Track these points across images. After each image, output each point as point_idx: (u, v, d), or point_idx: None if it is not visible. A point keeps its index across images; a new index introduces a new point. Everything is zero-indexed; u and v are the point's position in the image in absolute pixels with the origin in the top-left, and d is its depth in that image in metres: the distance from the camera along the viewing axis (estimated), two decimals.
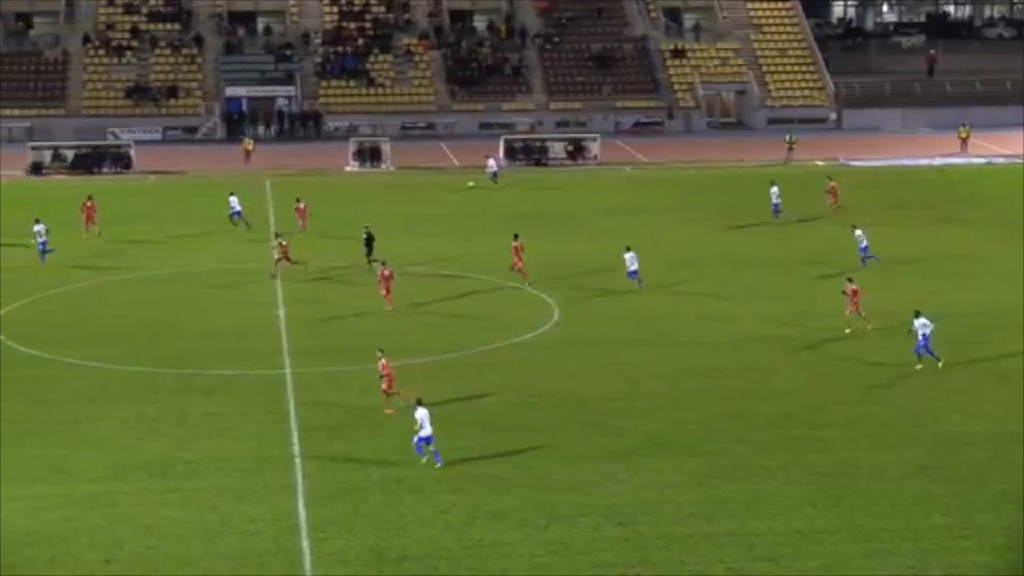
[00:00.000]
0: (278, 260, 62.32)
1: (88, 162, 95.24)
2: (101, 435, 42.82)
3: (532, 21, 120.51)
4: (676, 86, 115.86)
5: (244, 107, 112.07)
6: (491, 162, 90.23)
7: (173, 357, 50.96)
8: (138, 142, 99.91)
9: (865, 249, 64.13)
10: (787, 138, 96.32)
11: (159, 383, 47.96)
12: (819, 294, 58.89)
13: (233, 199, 74.60)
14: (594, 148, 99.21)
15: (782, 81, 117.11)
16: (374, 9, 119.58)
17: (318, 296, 60.34)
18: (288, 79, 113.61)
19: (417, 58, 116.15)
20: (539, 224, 72.73)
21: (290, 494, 38.24)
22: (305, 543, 35.13)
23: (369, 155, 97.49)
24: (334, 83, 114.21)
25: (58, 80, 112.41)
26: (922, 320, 48.62)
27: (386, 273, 57.87)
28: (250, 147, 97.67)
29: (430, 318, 56.94)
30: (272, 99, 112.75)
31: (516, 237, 62.47)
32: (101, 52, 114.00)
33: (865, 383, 47.50)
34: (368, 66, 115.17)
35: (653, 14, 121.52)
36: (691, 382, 47.99)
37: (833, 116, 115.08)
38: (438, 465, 40.06)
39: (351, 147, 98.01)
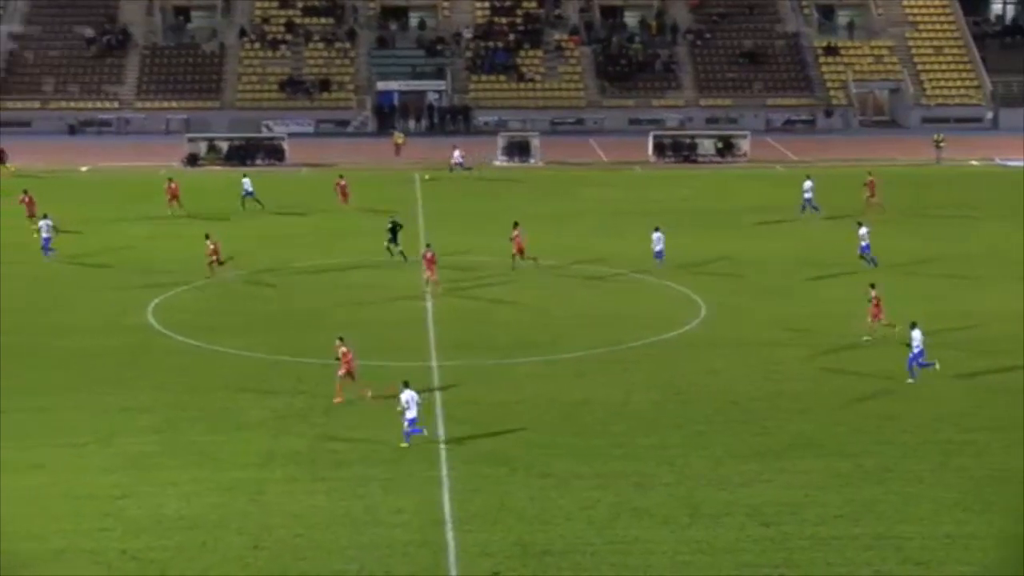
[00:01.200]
0: (210, 263, 61.54)
1: (242, 154, 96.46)
2: (250, 423, 43.38)
3: (683, 17, 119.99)
4: (828, 84, 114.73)
5: (395, 101, 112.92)
6: (456, 153, 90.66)
7: (321, 348, 51.39)
8: (291, 135, 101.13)
9: (866, 248, 63.66)
10: (936, 137, 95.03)
11: (307, 373, 48.45)
12: (972, 297, 57.94)
13: (245, 180, 77.73)
14: (744, 145, 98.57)
15: (937, 79, 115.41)
16: (525, 5, 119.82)
17: (466, 289, 60.55)
18: (439, 74, 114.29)
19: (567, 54, 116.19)
20: (686, 221, 72.37)
21: (435, 486, 38.43)
22: (450, 535, 35.27)
23: (518, 150, 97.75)
24: (484, 78, 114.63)
25: (214, 73, 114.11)
26: (917, 333, 47.38)
27: (429, 255, 59.11)
28: (400, 141, 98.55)
29: (577, 314, 56.90)
30: (423, 93, 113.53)
31: (516, 225, 63.44)
32: (256, 45, 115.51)
33: (1019, 388, 46.64)
34: (518, 61, 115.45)
35: (806, 10, 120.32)
36: (837, 382, 47.47)
37: (989, 115, 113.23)
38: (404, 444, 40.89)
39: (500, 142, 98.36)
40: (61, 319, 55.76)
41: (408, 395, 41.40)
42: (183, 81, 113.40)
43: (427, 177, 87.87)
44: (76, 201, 79.76)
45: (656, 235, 62.83)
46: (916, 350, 47.14)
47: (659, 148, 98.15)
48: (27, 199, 73.01)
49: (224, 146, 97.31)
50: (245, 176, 78.79)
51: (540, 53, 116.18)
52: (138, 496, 37.60)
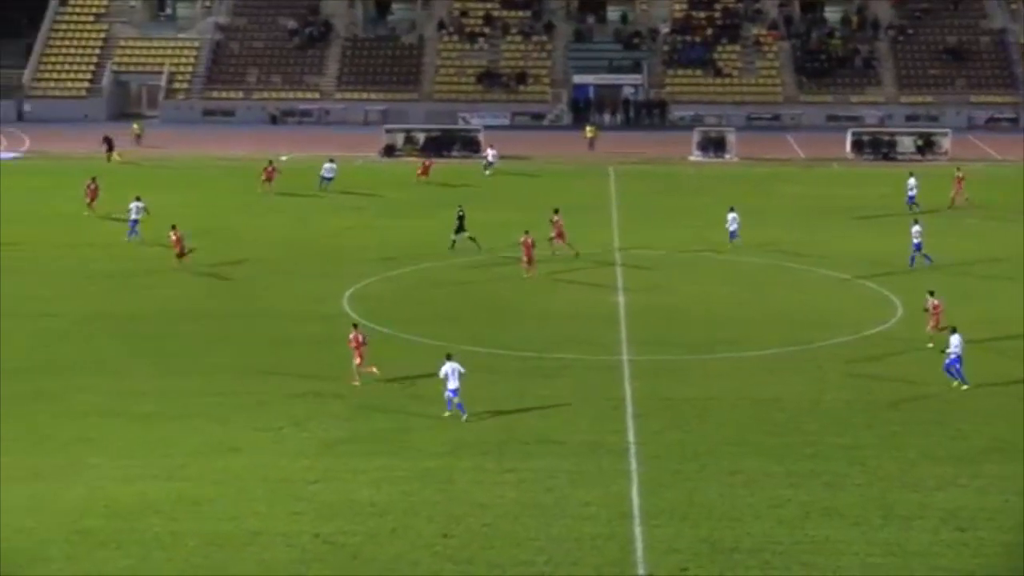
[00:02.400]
0: (179, 255, 62.01)
1: (438, 145, 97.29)
2: (440, 412, 43.70)
3: (885, 12, 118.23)
4: None
5: (591, 95, 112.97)
6: (490, 152, 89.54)
7: (512, 340, 51.68)
8: (486, 127, 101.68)
9: (918, 246, 62.87)
10: None
11: (498, 365, 48.68)
12: None
13: (328, 165, 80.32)
14: (945, 143, 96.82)
15: None
16: None
17: (657, 283, 60.38)
18: (635, 68, 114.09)
19: (765, 48, 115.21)
20: (885, 219, 71.40)
21: (624, 480, 38.35)
22: (638, 530, 35.17)
23: (713, 145, 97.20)
24: (681, 72, 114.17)
25: (413, 65, 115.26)
26: (956, 339, 46.04)
27: (529, 241, 59.68)
28: (592, 134, 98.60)
29: (770, 310, 56.44)
30: (619, 87, 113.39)
31: (556, 212, 64.96)
32: (455, 38, 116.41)
33: None
34: (715, 56, 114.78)
35: (1013, 6, 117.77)
36: None
37: None
38: (464, 418, 42.22)
39: (695, 137, 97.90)
40: (259, 305, 56.75)
41: (449, 367, 42.77)
42: (382, 73, 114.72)
43: (488, 173, 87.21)
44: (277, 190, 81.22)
45: (731, 215, 63.81)
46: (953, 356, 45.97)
47: (857, 145, 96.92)
48: (93, 186, 74.35)
49: (421, 137, 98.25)
50: (331, 160, 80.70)
51: (738, 48, 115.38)
52: (330, 481, 38.14)
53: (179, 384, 46.45)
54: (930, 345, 49.92)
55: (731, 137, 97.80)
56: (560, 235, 64.20)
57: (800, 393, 45.79)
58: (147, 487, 37.57)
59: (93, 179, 75.03)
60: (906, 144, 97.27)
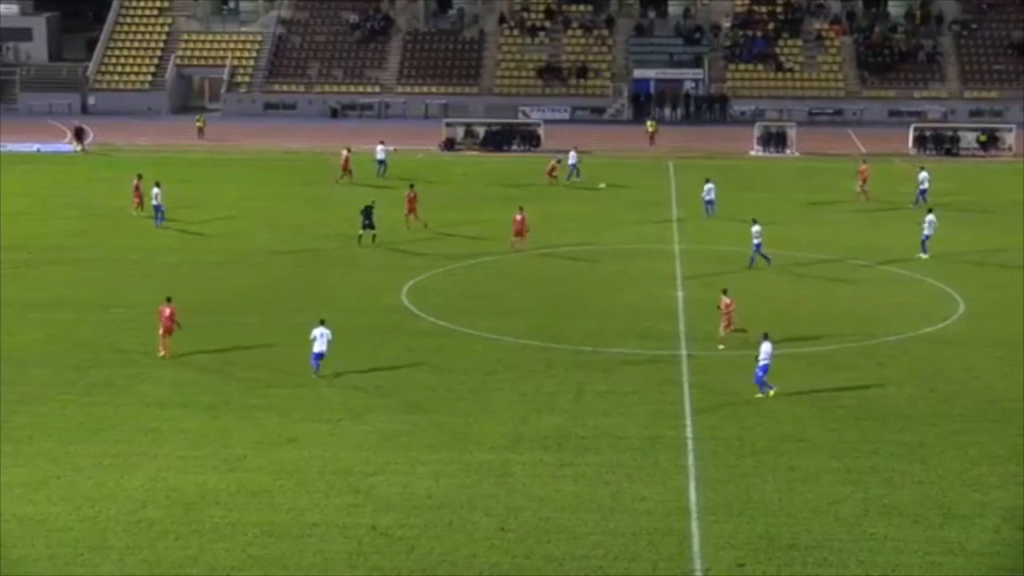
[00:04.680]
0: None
1: (498, 139, 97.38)
2: (499, 406, 43.75)
3: (949, 7, 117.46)
4: None
5: (652, 89, 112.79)
6: (572, 155, 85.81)
7: (571, 334, 51.67)
8: (546, 121, 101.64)
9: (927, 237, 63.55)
10: None
11: (557, 358, 48.70)
12: None
13: (380, 148, 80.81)
14: (1009, 139, 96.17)
15: None
16: None
17: (716, 278, 60.18)
18: (696, 62, 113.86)
19: (827, 43, 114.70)
20: (947, 215, 70.86)
21: (682, 475, 38.30)
22: (695, 525, 35.13)
23: (774, 140, 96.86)
24: (742, 67, 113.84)
25: (474, 59, 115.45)
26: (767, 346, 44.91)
27: (519, 218, 61.52)
28: (652, 129, 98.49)
29: (830, 306, 56.21)
30: (680, 81, 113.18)
31: (412, 187, 69.47)
32: (515, 32, 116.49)
33: None
34: (777, 50, 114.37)
35: None
36: None
37: None
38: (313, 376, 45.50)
39: (756, 132, 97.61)
40: (320, 297, 56.95)
41: (318, 331, 46.36)
42: (443, 67, 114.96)
43: (602, 186, 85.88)
44: (333, 184, 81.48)
45: (755, 228, 61.83)
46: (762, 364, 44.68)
47: (920, 140, 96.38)
48: (138, 184, 72.69)
49: (481, 131, 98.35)
50: (382, 143, 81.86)
51: (799, 42, 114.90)
52: (388, 473, 38.25)
53: (242, 376, 46.71)
54: (721, 347, 49.65)
55: (792, 132, 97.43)
56: (412, 211, 68.12)
57: (860, 389, 45.58)
58: (207, 478, 37.81)
59: (139, 177, 73.75)
60: (969, 139, 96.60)
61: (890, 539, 34.36)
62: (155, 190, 69.57)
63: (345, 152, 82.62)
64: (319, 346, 46.49)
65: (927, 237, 63.87)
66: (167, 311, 48.50)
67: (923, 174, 76.79)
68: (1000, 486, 37.56)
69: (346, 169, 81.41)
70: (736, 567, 32.89)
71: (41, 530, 34.55)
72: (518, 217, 64.81)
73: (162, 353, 48.44)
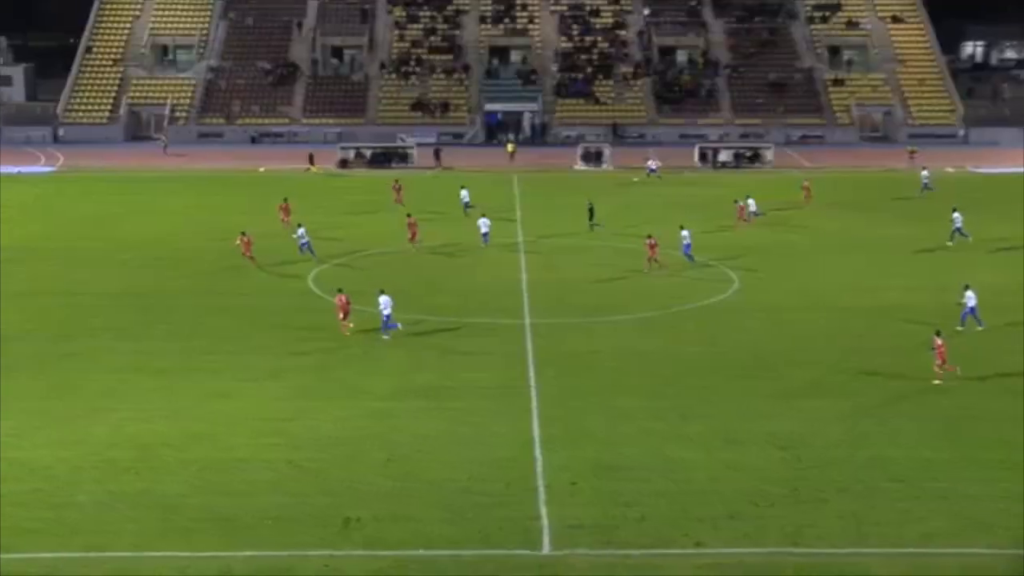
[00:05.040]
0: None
1: (382, 159, 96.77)
2: (386, 365, 43.52)
3: (723, 54, 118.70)
4: (835, 107, 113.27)
5: (499, 118, 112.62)
6: (651, 162, 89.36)
7: (440, 307, 51.54)
8: (418, 144, 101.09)
9: (959, 229, 63.46)
10: (908, 148, 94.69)
11: (428, 328, 48.54)
12: (943, 273, 57.04)
13: (464, 191, 73.73)
14: (769, 155, 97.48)
15: (920, 104, 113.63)
16: (600, 45, 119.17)
17: (553, 263, 60.33)
18: (532, 98, 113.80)
19: (632, 82, 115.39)
20: (715, 213, 71.55)
21: (527, 416, 38.39)
22: (538, 453, 35.25)
23: (593, 157, 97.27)
24: (568, 101, 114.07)
25: (361, 97, 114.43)
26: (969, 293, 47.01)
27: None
28: (511, 150, 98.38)
29: (635, 284, 56.50)
30: (520, 113, 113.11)
31: (409, 216, 64.21)
32: (393, 76, 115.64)
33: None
34: (594, 88, 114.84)
35: (818, 50, 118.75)
36: (845, 342, 46.85)
37: (962, 132, 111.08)
38: (385, 337, 45.83)
39: (579, 151, 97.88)
40: (244, 285, 56.14)
41: (384, 299, 46.01)
42: (337, 102, 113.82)
43: (636, 180, 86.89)
44: (252, 195, 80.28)
45: (684, 232, 59.89)
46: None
47: (703, 156, 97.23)
48: (285, 206, 68.74)
49: (368, 153, 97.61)
50: (463, 187, 74.51)
51: (611, 82, 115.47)
52: (301, 419, 37.93)
53: (185, 346, 45.94)
54: (937, 382, 41.12)
55: (607, 151, 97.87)
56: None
57: (661, 347, 45.97)
58: (158, 426, 37.20)
59: (285, 199, 69.56)
60: (739, 155, 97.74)
61: (686, 461, 34.78)
62: (300, 230, 61.51)
63: (396, 183, 76.58)
64: (387, 310, 46.14)
65: (958, 229, 63.39)
66: (343, 299, 47.25)
67: (924, 172, 78.00)
68: (767, 417, 38.14)
69: (399, 196, 75.17)
70: (570, 484, 33.07)
71: (27, 469, 33.81)
72: (410, 221, 63.42)
73: (347, 333, 46.93)
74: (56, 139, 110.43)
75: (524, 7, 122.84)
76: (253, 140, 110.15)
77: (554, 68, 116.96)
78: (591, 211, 67.86)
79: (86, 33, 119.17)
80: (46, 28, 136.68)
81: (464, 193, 73.59)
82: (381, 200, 76.43)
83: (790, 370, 43.13)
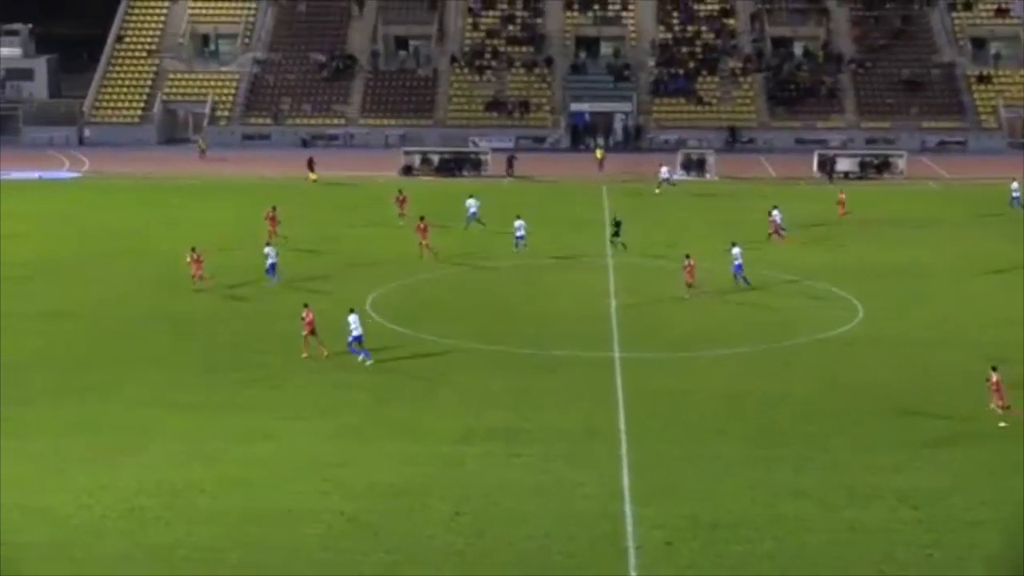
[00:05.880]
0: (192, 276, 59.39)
1: (451, 166, 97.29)
2: (452, 403, 43.63)
3: (847, 47, 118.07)
4: (980, 109, 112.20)
5: (586, 120, 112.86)
6: (664, 169, 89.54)
7: (515, 338, 51.59)
8: (493, 149, 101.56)
9: None
10: None
11: (502, 361, 48.59)
12: None
13: (470, 201, 74.40)
14: (900, 164, 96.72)
15: None
16: (704, 35, 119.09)
17: (645, 286, 60.21)
18: (625, 96, 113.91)
19: (741, 79, 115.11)
20: (851, 230, 71.22)
21: (615, 464, 38.27)
22: (627, 507, 35.10)
23: (695, 165, 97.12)
24: (666, 100, 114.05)
25: (428, 94, 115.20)
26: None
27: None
28: (600, 156, 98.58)
29: (742, 313, 56.28)
30: (611, 114, 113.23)
31: (273, 208, 69.04)
32: (465, 70, 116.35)
33: None
34: (696, 86, 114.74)
35: (960, 42, 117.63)
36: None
37: None
38: (368, 362, 46.96)
39: (679, 158, 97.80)
40: (286, 307, 56.62)
41: (353, 318, 47.52)
42: (401, 101, 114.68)
43: (657, 191, 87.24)
44: (308, 205, 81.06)
45: (735, 250, 60.26)
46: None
47: (822, 165, 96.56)
48: (272, 215, 69.87)
49: (435, 158, 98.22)
50: (471, 196, 75.57)
51: (716, 79, 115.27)
52: (354, 464, 38.07)
53: (220, 378, 46.40)
54: (1002, 424, 41.56)
55: (711, 158, 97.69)
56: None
57: (770, 387, 45.67)
58: (192, 470, 37.54)
59: (273, 207, 70.32)
60: (865, 164, 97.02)
61: (799, 518, 34.45)
62: (267, 249, 62.03)
63: (400, 193, 77.24)
64: (356, 330, 47.49)
65: None
66: (308, 315, 48.50)
67: (1015, 184, 79.35)
68: (894, 471, 37.71)
69: (401, 208, 75.59)
70: (664, 544, 32.89)
71: (43, 519, 34.23)
72: (420, 226, 66.03)
73: (305, 355, 48.35)
74: (82, 141, 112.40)
75: None
76: (304, 143, 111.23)
77: (650, 62, 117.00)
78: (617, 226, 67.29)
79: (117, 20, 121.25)
80: (72, 15, 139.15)
81: (471, 203, 74.32)
82: (451, 212, 76.64)
83: (924, 416, 42.60)
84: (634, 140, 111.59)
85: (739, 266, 59.74)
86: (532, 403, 43.76)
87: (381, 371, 47.08)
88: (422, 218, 67.47)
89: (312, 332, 48.36)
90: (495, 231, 70.61)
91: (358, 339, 47.75)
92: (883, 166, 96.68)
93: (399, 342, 51.12)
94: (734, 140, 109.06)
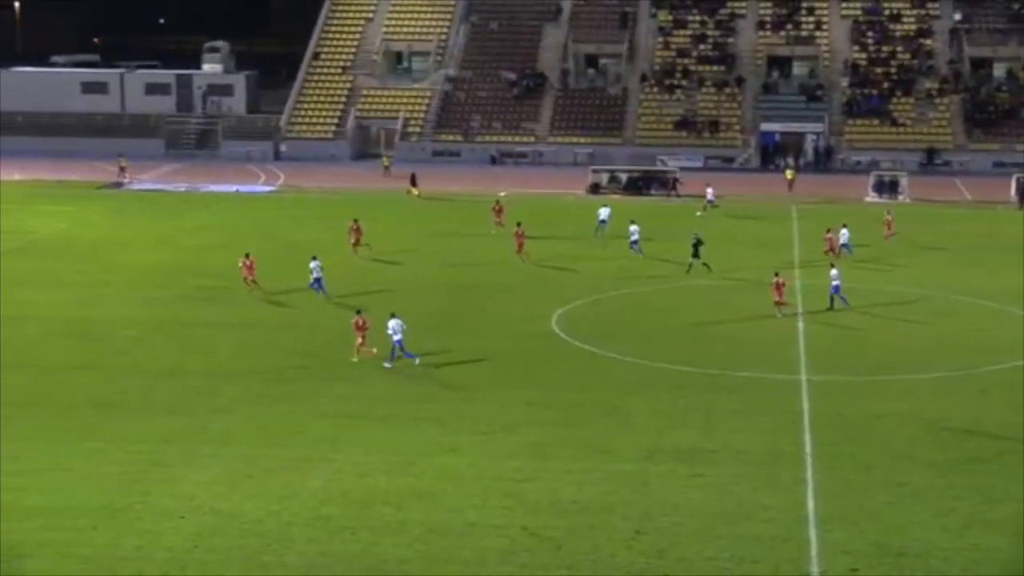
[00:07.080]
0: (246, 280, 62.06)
1: (639, 184, 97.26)
2: (636, 422, 43.59)
3: None
4: None
5: (777, 140, 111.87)
6: (709, 191, 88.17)
7: (701, 358, 51.35)
8: (682, 168, 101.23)
9: None
10: None
11: (687, 380, 48.43)
12: None
13: (603, 210, 77.27)
14: None
15: None
16: (899, 55, 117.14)
17: (834, 313, 59.40)
18: (817, 117, 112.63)
19: (937, 100, 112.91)
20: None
21: (800, 488, 37.84)
22: (812, 532, 34.67)
23: (887, 187, 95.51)
24: (859, 121, 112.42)
25: (617, 113, 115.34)
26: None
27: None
28: (791, 176, 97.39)
29: (937, 337, 55.19)
30: (802, 134, 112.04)
31: (519, 224, 70.48)
32: (655, 89, 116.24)
33: None
34: (890, 107, 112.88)
35: None
36: None
37: None
38: (416, 361, 48.96)
39: (871, 179, 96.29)
40: (482, 324, 57.19)
41: (394, 322, 48.86)
42: (590, 119, 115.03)
43: (699, 214, 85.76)
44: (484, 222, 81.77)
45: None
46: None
47: (1022, 190, 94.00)
48: (355, 227, 71.38)
49: (623, 177, 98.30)
50: (605, 206, 77.95)
51: (911, 100, 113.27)
52: (537, 480, 38.25)
53: (409, 391, 47.06)
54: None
55: (904, 180, 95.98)
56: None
57: (963, 414, 44.70)
58: (379, 480, 38.13)
59: (355, 221, 72.43)
60: None
61: (991, 550, 33.62)
62: (312, 263, 62.51)
63: (497, 204, 79.70)
64: (397, 336, 49.03)
65: None
66: (359, 321, 50.01)
67: None
68: None
69: (499, 217, 78.05)
70: (850, 571, 32.40)
71: (235, 523, 35.08)
72: (517, 231, 69.29)
73: (355, 359, 49.98)
74: (277, 155, 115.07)
75: (810, 11, 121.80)
76: (493, 160, 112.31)
77: (844, 83, 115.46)
78: (696, 246, 66.33)
79: (313, 38, 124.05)
80: (271, 33, 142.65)
81: (604, 211, 77.21)
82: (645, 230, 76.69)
83: None
84: (825, 161, 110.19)
85: (836, 287, 59.17)
86: (717, 424, 43.53)
87: (566, 388, 47.29)
88: (519, 224, 69.79)
89: (363, 339, 50.01)
90: (658, 253, 70.32)
91: (399, 344, 49.21)
92: None
93: (585, 360, 51.27)
94: (931, 162, 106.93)
